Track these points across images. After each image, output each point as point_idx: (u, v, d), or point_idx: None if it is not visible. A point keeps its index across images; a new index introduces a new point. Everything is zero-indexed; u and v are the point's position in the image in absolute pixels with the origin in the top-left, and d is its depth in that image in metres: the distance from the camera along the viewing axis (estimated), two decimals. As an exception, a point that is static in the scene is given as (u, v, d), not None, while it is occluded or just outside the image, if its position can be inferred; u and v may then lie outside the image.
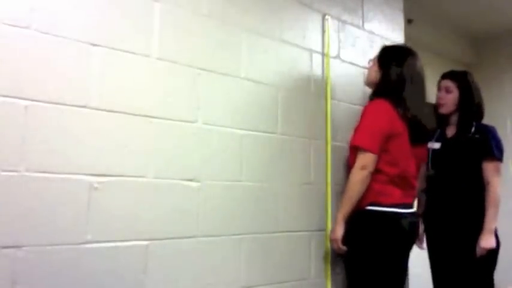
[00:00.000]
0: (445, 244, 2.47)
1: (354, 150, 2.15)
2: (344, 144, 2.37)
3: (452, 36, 4.63)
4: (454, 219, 2.43)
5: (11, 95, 1.48)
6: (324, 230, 2.31)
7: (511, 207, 4.58)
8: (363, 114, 2.20)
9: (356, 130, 2.19)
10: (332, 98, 2.42)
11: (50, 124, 1.55)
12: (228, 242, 1.96)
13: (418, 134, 2.20)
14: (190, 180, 1.87)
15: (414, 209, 2.22)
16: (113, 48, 1.70)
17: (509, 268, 4.36)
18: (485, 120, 2.61)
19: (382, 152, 2.10)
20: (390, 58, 2.25)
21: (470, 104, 2.48)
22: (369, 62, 2.40)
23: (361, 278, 2.11)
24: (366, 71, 2.59)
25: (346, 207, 2.10)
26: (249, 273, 2.02)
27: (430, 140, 2.45)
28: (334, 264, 2.31)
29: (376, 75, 2.26)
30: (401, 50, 2.31)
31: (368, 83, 2.37)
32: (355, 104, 2.54)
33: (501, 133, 4.78)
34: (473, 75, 2.61)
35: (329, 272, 2.29)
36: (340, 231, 2.10)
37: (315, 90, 2.37)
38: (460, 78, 2.52)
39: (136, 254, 1.70)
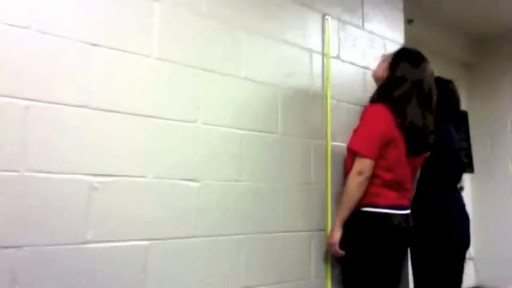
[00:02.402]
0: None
1: (352, 153, 2.15)
2: (344, 144, 2.37)
3: (452, 36, 4.64)
4: (418, 220, 2.40)
5: (11, 95, 1.48)
6: (324, 230, 2.31)
7: (511, 207, 4.60)
8: (362, 118, 2.19)
9: (354, 134, 2.19)
10: (332, 98, 2.42)
11: (50, 124, 1.55)
12: (228, 242, 1.96)
13: (415, 144, 2.16)
14: (190, 180, 1.87)
15: (409, 211, 2.21)
16: (113, 48, 1.70)
17: (509, 268, 4.37)
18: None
19: (378, 157, 2.09)
20: (402, 61, 2.21)
21: (444, 110, 2.47)
22: (382, 56, 2.38)
23: (357, 278, 2.12)
24: (367, 70, 2.60)
25: (344, 212, 2.11)
26: (249, 273, 2.02)
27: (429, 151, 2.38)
28: (334, 264, 2.30)
29: (383, 73, 2.24)
30: (416, 57, 2.24)
31: (374, 77, 2.34)
32: (355, 104, 2.53)
33: (501, 133, 4.84)
34: (455, 85, 2.65)
35: (329, 272, 2.29)
36: (337, 236, 2.11)
37: (315, 90, 2.37)
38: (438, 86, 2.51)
39: (137, 254, 1.70)
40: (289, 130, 2.23)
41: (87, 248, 1.59)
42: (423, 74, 2.18)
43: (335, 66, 2.48)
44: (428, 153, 2.30)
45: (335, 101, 2.45)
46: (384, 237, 2.09)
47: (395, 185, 2.14)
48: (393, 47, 2.74)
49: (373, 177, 2.10)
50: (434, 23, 4.28)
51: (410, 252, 2.55)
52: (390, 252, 2.11)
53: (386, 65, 2.26)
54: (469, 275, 4.47)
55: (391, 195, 2.13)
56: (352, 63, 2.58)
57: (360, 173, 2.07)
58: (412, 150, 2.16)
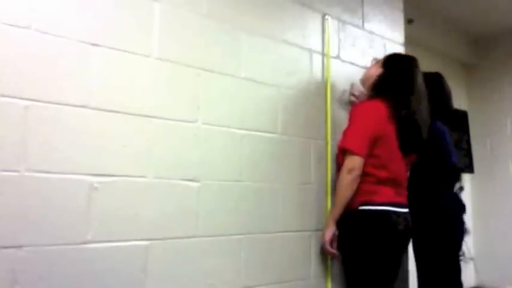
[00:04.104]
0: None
1: (343, 152, 2.16)
2: (344, 144, 2.37)
3: (452, 36, 4.64)
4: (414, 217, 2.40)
5: (11, 95, 1.48)
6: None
7: (511, 207, 4.60)
8: (351, 116, 2.21)
9: (344, 132, 2.20)
10: (332, 98, 2.42)
11: (50, 124, 1.55)
12: (228, 242, 1.96)
13: (409, 139, 2.16)
14: (190, 180, 1.87)
15: (407, 210, 2.20)
16: (113, 48, 1.70)
17: (509, 268, 4.37)
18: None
19: (369, 156, 2.09)
20: (397, 62, 2.26)
21: (433, 106, 2.43)
22: (372, 61, 2.39)
23: (359, 277, 2.12)
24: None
25: (336, 210, 2.12)
26: (249, 273, 2.02)
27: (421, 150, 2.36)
28: (334, 264, 2.31)
29: (376, 71, 2.25)
30: (409, 60, 2.31)
31: (365, 79, 2.33)
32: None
33: (501, 133, 4.84)
34: (444, 78, 2.64)
35: (329, 272, 2.29)
36: (328, 235, 2.13)
37: (315, 90, 2.37)
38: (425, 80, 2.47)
39: (136, 254, 1.70)
40: (289, 130, 2.23)
41: (87, 248, 1.58)
42: (417, 77, 2.23)
43: (335, 66, 2.48)
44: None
45: (335, 101, 2.45)
46: (383, 235, 2.08)
47: (391, 182, 2.14)
48: (393, 47, 2.75)
49: (365, 175, 2.10)
50: (434, 23, 4.28)
51: (413, 251, 2.56)
52: (390, 250, 2.11)
53: (379, 65, 2.28)
54: (469, 275, 4.47)
55: (388, 193, 2.12)
56: (352, 63, 2.58)
57: (349, 170, 2.07)
58: (405, 147, 2.16)
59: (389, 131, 2.12)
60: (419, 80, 2.22)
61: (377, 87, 2.23)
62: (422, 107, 2.19)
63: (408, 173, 2.34)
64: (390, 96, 2.15)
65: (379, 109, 2.13)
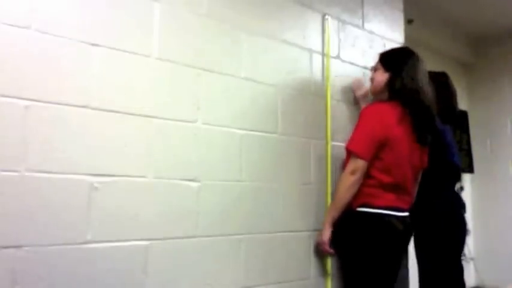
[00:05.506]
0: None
1: (349, 153, 2.15)
2: (344, 144, 2.37)
3: (452, 36, 4.64)
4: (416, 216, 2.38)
5: (11, 95, 1.48)
6: (324, 230, 2.31)
7: (511, 207, 4.60)
8: (359, 118, 2.20)
9: (351, 134, 2.20)
10: (332, 98, 2.42)
11: (50, 124, 1.55)
12: (228, 242, 1.96)
13: (425, 129, 2.16)
14: (190, 180, 1.87)
15: (407, 213, 2.18)
16: (113, 48, 1.70)
17: (509, 268, 4.37)
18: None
19: (375, 158, 2.09)
20: (396, 59, 2.23)
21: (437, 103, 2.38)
22: (371, 69, 2.38)
23: (356, 278, 2.13)
24: (367, 71, 2.59)
25: (335, 211, 2.12)
26: (249, 273, 2.02)
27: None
28: (334, 264, 2.30)
29: (382, 77, 2.22)
30: (403, 52, 2.31)
31: (375, 89, 2.29)
32: (355, 104, 2.53)
33: (501, 133, 4.84)
34: (450, 77, 2.63)
35: (329, 272, 2.29)
36: (327, 235, 2.13)
37: (315, 90, 2.37)
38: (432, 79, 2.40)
39: (136, 254, 1.70)
40: (289, 130, 2.23)
41: (87, 248, 1.59)
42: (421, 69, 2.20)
43: (335, 66, 2.48)
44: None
45: (335, 101, 2.45)
46: (381, 237, 2.08)
47: (394, 187, 2.13)
48: (393, 47, 2.75)
49: (368, 178, 2.09)
50: (434, 23, 4.28)
51: (415, 250, 2.57)
52: (387, 252, 2.11)
53: (381, 69, 2.25)
54: (469, 275, 4.47)
55: (388, 197, 2.11)
56: (352, 63, 2.58)
57: (352, 172, 2.07)
58: (421, 134, 2.14)
59: (399, 134, 2.10)
60: (424, 71, 2.20)
61: (392, 91, 2.17)
62: (431, 99, 2.18)
63: (418, 177, 2.31)
64: (404, 95, 2.12)
65: (388, 112, 2.11)
